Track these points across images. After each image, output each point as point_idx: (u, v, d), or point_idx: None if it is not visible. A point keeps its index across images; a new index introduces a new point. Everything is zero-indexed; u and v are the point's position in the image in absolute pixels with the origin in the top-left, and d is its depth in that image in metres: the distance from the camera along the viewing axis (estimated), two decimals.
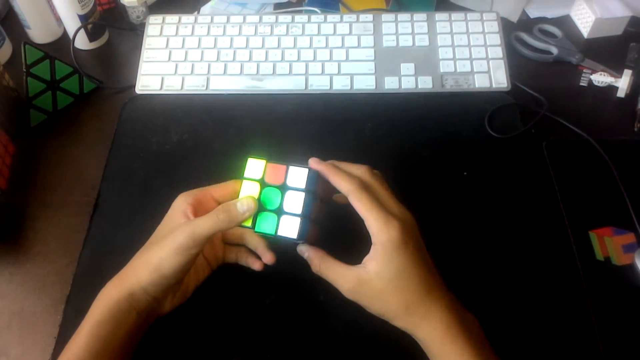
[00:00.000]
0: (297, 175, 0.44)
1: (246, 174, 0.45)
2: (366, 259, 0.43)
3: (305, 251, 0.46)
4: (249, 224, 0.44)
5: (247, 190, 0.44)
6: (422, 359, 0.43)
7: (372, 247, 0.43)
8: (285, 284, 0.52)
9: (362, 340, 0.49)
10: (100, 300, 0.45)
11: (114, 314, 0.43)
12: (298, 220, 0.43)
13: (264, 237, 0.48)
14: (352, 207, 0.43)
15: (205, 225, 0.43)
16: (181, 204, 0.47)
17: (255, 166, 0.45)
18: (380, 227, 0.42)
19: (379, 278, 0.42)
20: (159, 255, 0.44)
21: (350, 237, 0.45)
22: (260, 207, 0.44)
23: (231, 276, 0.52)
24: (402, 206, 0.45)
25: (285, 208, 0.43)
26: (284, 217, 0.43)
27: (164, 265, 0.43)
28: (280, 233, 0.43)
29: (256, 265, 0.50)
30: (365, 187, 0.43)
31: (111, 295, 0.44)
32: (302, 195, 0.43)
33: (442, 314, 0.42)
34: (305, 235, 0.44)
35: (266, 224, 0.44)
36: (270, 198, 0.44)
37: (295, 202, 0.43)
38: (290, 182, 0.44)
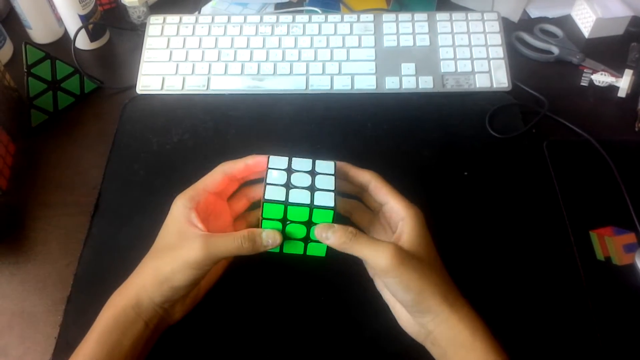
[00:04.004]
0: (324, 166, 0.46)
1: (271, 165, 0.45)
2: (396, 234, 0.44)
3: (328, 229, 0.43)
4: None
5: (274, 176, 0.44)
6: (421, 359, 0.43)
7: (401, 221, 0.44)
8: (286, 284, 0.52)
9: (362, 340, 0.49)
10: (107, 308, 0.44)
11: (120, 323, 0.43)
12: (333, 194, 0.43)
13: (295, 211, 0.44)
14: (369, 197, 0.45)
15: (226, 247, 0.42)
16: (183, 209, 0.45)
17: (279, 160, 0.46)
18: (406, 203, 0.45)
19: (415, 249, 0.42)
20: (170, 267, 0.43)
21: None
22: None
23: (232, 278, 0.52)
24: None
25: (318, 185, 0.44)
26: (317, 193, 0.43)
27: (176, 279, 0.43)
28: (316, 203, 0.43)
29: None
30: (383, 178, 0.46)
31: (117, 304, 0.44)
32: (332, 178, 0.44)
33: (467, 301, 0.43)
34: (336, 211, 0.43)
35: (299, 197, 0.43)
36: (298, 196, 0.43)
37: (325, 183, 0.44)
38: (317, 169, 0.45)
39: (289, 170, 0.45)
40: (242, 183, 0.52)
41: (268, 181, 0.44)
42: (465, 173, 0.60)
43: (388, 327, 0.46)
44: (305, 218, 0.43)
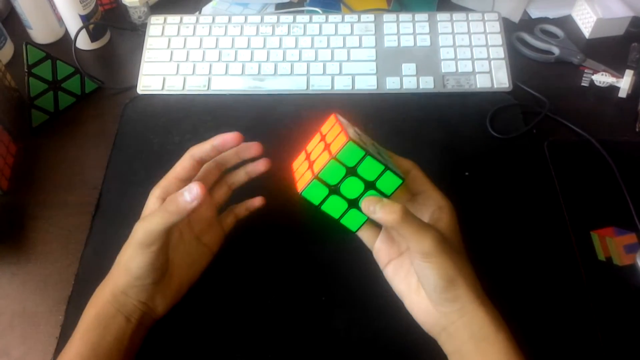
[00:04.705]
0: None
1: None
2: (434, 220, 0.44)
3: (379, 201, 0.41)
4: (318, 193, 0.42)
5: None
6: (422, 359, 0.43)
7: (439, 209, 0.44)
8: (287, 284, 0.52)
9: (363, 340, 0.49)
10: (88, 307, 0.45)
11: (101, 320, 0.44)
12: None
13: (368, 167, 0.42)
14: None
15: (156, 220, 0.42)
16: (153, 201, 0.47)
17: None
18: (442, 196, 0.45)
19: (452, 233, 0.43)
20: (125, 256, 0.44)
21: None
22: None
23: (232, 276, 0.52)
24: None
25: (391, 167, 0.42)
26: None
27: (131, 266, 0.44)
28: (377, 185, 0.41)
29: (257, 203, 0.52)
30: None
31: (97, 302, 0.45)
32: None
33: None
34: None
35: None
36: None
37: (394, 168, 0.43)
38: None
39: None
40: (223, 171, 0.52)
41: (348, 131, 0.42)
42: (466, 173, 0.60)
43: (390, 327, 0.46)
44: (374, 177, 0.41)
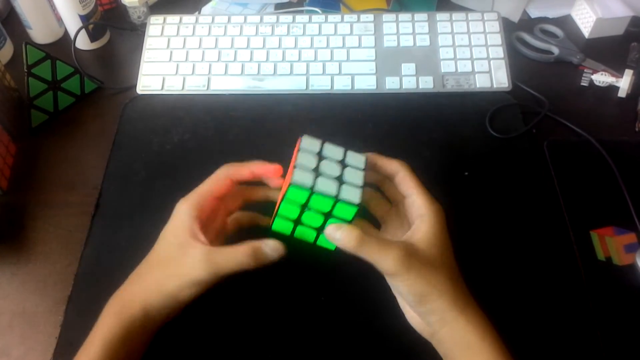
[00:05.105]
0: (355, 159, 0.44)
1: (303, 145, 0.44)
2: (411, 231, 0.43)
3: (337, 229, 0.42)
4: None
5: (304, 159, 0.43)
6: (422, 359, 0.43)
7: (419, 218, 0.43)
8: (287, 284, 0.52)
9: (363, 340, 0.49)
10: (111, 316, 0.43)
11: (128, 333, 0.42)
12: (360, 190, 0.42)
13: (318, 200, 0.42)
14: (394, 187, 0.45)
15: (229, 266, 0.43)
16: (186, 218, 0.45)
17: (311, 142, 0.44)
18: (429, 199, 0.44)
19: (428, 248, 0.42)
20: (175, 285, 0.43)
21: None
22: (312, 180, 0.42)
23: (232, 276, 0.52)
24: None
25: (346, 178, 0.42)
26: (344, 186, 0.42)
27: (182, 295, 0.43)
28: (342, 197, 0.41)
29: (263, 222, 0.50)
30: (412, 169, 0.46)
31: (122, 313, 0.43)
32: (362, 173, 0.43)
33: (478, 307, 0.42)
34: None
35: (325, 187, 0.41)
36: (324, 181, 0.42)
37: (354, 176, 0.43)
38: (348, 160, 0.44)
39: (320, 156, 0.43)
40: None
41: (298, 162, 0.42)
42: (466, 173, 0.60)
43: (390, 327, 0.46)
44: (327, 209, 0.42)
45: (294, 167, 0.42)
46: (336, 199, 0.41)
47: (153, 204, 0.57)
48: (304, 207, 0.42)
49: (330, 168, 0.43)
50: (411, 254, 0.41)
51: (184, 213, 0.45)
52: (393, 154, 0.61)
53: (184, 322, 0.48)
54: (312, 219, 0.43)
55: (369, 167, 0.46)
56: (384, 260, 0.40)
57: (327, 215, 0.43)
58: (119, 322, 0.43)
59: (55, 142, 0.66)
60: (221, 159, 0.62)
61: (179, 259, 0.43)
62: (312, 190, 0.41)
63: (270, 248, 0.43)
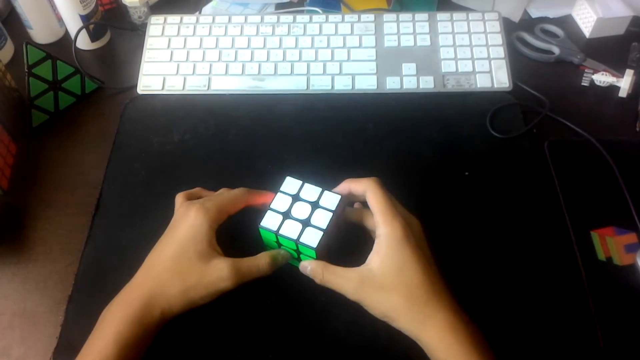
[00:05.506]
0: (329, 199, 0.47)
1: (283, 188, 0.48)
2: (369, 256, 0.44)
3: (308, 265, 0.46)
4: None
5: (279, 202, 0.47)
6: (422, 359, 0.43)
7: (376, 240, 0.44)
8: (287, 284, 0.52)
9: (363, 340, 0.49)
10: (128, 318, 0.44)
11: (143, 330, 0.44)
12: (321, 233, 0.45)
13: (284, 241, 0.47)
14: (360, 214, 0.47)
15: (252, 275, 0.46)
16: (207, 230, 0.47)
17: (292, 183, 0.48)
18: (386, 219, 0.44)
19: (382, 272, 0.43)
20: (201, 294, 0.45)
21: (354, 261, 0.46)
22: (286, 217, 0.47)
23: None
24: (408, 212, 0.47)
25: (312, 221, 0.46)
26: (307, 229, 0.45)
27: (202, 302, 0.46)
28: (302, 240, 0.45)
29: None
30: (382, 185, 0.46)
31: (145, 317, 0.44)
32: (330, 215, 0.46)
33: (448, 314, 0.42)
34: (320, 249, 0.45)
35: (290, 230, 0.46)
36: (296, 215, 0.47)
37: (321, 219, 0.46)
38: (322, 201, 0.47)
39: (296, 198, 0.47)
40: None
41: (272, 205, 0.47)
42: (466, 173, 0.60)
43: (389, 327, 0.46)
44: (294, 247, 0.46)
45: (267, 210, 0.47)
46: (297, 242, 0.45)
47: (153, 203, 0.58)
48: (277, 241, 0.47)
49: (300, 210, 0.46)
50: (364, 282, 0.43)
51: (204, 225, 0.47)
52: (393, 154, 0.62)
53: (184, 322, 0.48)
54: (287, 245, 0.47)
55: (345, 199, 0.47)
56: (345, 290, 0.44)
57: (296, 251, 0.47)
58: (139, 326, 0.43)
59: (56, 142, 0.66)
60: (221, 159, 0.62)
61: (203, 270, 0.45)
62: (276, 234, 0.46)
63: (283, 256, 0.47)
